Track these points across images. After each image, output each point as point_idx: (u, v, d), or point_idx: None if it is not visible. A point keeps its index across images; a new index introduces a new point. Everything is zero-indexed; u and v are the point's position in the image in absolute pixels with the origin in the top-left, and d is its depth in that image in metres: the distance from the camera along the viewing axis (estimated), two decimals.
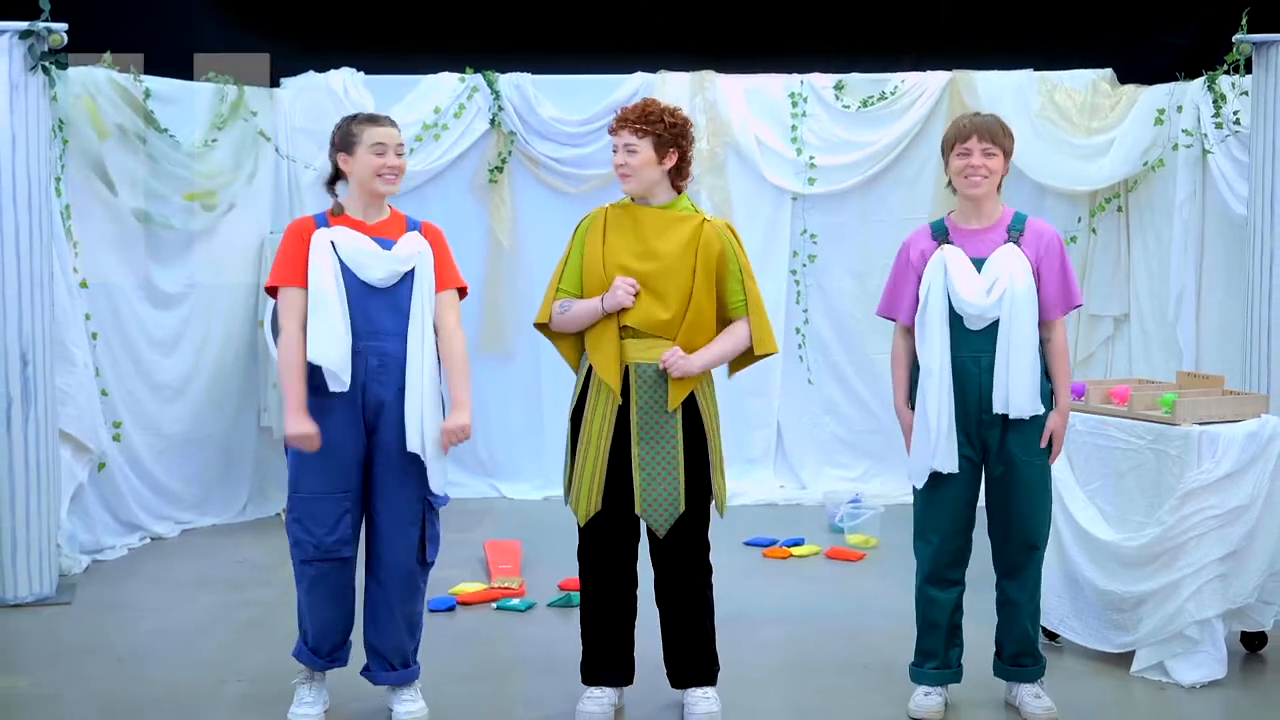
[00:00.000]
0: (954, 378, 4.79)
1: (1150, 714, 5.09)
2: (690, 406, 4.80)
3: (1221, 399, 5.46)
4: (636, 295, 4.73)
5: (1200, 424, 5.31)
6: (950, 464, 4.80)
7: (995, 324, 4.76)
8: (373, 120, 4.84)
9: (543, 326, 4.94)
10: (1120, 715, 5.01)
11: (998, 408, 4.77)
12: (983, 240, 4.82)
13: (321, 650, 4.91)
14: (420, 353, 4.75)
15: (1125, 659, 5.39)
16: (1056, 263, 4.83)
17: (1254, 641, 5.64)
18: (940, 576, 4.94)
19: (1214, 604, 5.28)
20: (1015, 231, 4.83)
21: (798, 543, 7.33)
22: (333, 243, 4.71)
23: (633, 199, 4.87)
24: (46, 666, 5.57)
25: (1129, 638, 5.38)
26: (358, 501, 4.82)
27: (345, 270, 4.71)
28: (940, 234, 4.88)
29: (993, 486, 4.90)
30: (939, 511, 4.89)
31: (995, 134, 4.80)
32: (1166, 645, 5.29)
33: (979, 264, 4.78)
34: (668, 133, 4.77)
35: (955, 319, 4.79)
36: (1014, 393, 4.74)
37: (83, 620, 6.19)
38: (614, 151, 4.85)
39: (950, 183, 4.90)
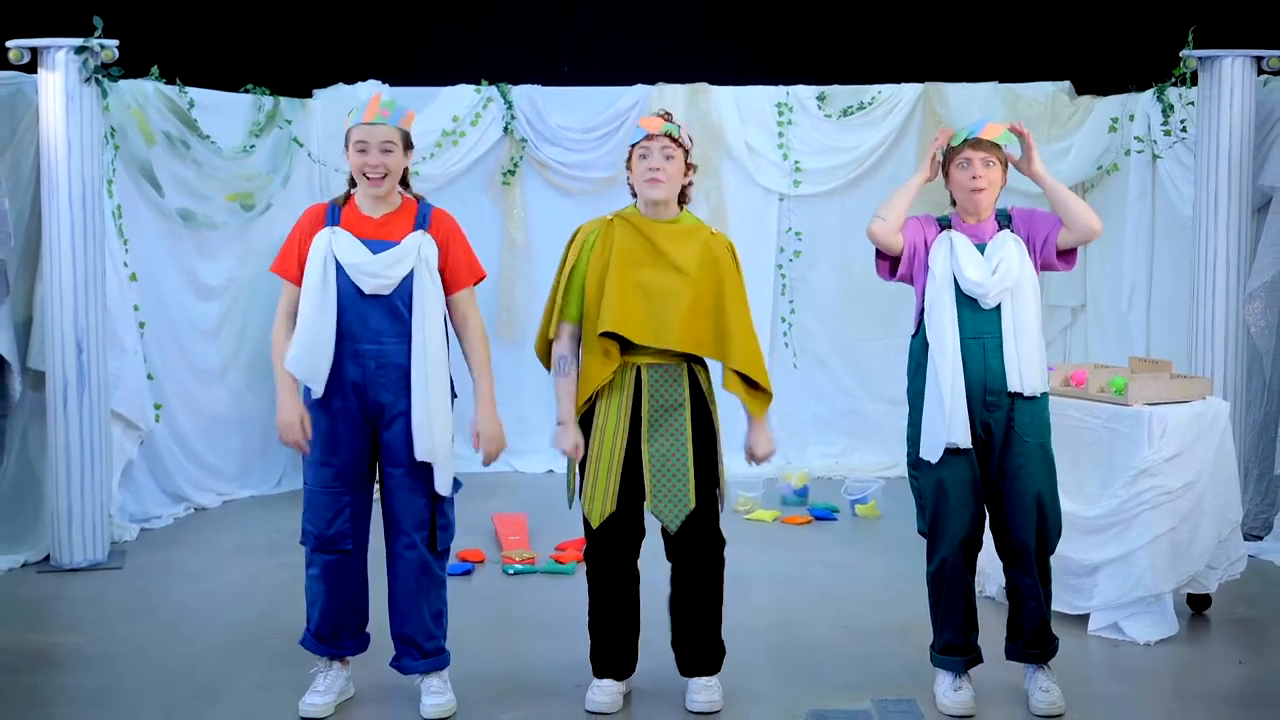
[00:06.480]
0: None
1: (1110, 668, 5.07)
2: (699, 402, 4.55)
3: (1170, 382, 5.44)
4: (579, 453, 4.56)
5: (1150, 405, 5.29)
6: (965, 438, 4.48)
7: (998, 308, 4.49)
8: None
9: (542, 350, 4.70)
10: (1081, 669, 4.99)
11: (1012, 386, 4.47)
12: (980, 229, 4.56)
13: (324, 635, 4.54)
14: (424, 358, 4.36)
15: (1082, 619, 5.37)
16: (1034, 212, 4.63)
17: (1199, 603, 5.62)
18: (961, 557, 4.56)
19: (1169, 578, 5.27)
20: (1004, 219, 4.59)
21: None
22: (332, 249, 4.34)
23: (641, 211, 4.55)
24: (99, 626, 5.56)
25: (1086, 603, 5.36)
26: (362, 494, 4.48)
27: (342, 274, 4.33)
28: (945, 224, 4.60)
29: (996, 471, 4.57)
30: (955, 491, 4.52)
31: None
32: (1121, 607, 5.28)
33: (980, 249, 4.52)
34: (690, 152, 4.55)
35: (961, 301, 4.51)
36: (1025, 369, 4.48)
37: (132, 583, 6.18)
38: (644, 156, 4.46)
39: (949, 192, 4.61)
